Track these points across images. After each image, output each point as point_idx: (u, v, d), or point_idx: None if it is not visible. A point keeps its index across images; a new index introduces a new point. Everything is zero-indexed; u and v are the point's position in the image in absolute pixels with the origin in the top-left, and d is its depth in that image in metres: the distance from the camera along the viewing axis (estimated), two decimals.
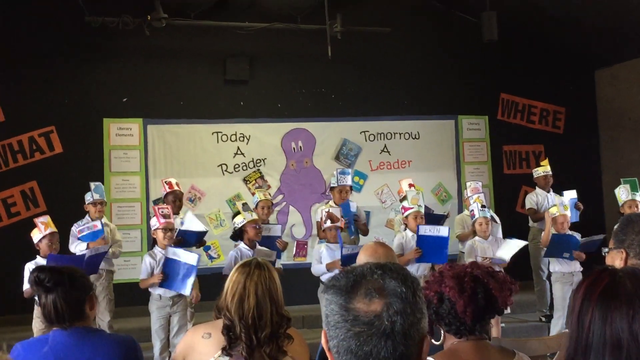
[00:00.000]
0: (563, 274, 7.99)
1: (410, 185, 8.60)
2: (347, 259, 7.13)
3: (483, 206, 7.95)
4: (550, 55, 11.41)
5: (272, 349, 2.91)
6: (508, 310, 7.54)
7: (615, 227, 2.81)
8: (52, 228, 7.23)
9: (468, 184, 9.20)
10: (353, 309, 1.50)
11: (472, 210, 7.99)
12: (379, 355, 1.47)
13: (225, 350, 2.92)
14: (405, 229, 7.85)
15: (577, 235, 8.06)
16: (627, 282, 1.80)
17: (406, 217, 7.69)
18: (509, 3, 10.30)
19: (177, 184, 8.36)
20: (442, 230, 7.45)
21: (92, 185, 8.06)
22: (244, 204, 7.75)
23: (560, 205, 8.00)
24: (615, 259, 2.69)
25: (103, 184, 9.72)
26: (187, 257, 6.81)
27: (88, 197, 8.04)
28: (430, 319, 2.48)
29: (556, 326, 7.92)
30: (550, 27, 10.86)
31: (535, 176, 9.59)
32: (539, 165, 9.83)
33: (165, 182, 8.37)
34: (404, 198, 8.29)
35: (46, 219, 7.31)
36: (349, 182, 8.48)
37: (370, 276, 1.55)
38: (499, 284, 2.47)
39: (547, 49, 11.36)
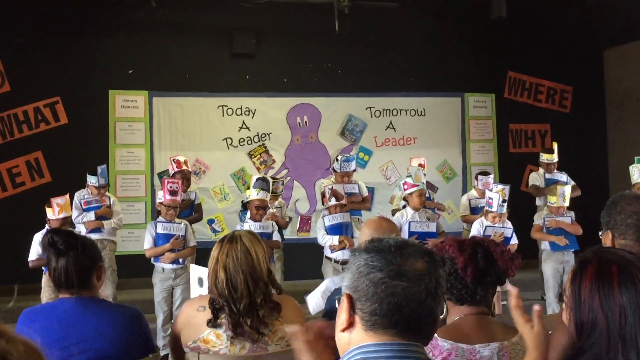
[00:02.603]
0: (553, 252, 7.94)
1: (421, 166, 8.48)
2: (333, 229, 7.26)
3: (504, 201, 7.62)
4: (558, 34, 11.32)
5: (253, 319, 2.96)
6: (509, 287, 7.50)
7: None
8: (67, 212, 7.22)
9: (480, 177, 9.01)
10: (403, 264, 1.54)
11: (491, 199, 7.64)
12: (422, 315, 1.52)
13: (212, 322, 2.99)
14: (404, 207, 7.81)
15: (572, 214, 8.01)
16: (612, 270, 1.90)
17: (410, 194, 7.61)
18: None
19: (186, 162, 8.36)
20: (431, 226, 7.42)
21: (99, 169, 7.94)
22: (257, 179, 7.69)
23: (560, 197, 7.90)
24: (605, 240, 2.74)
25: (108, 156, 9.78)
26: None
27: (93, 180, 7.96)
28: None
29: (550, 305, 7.88)
30: (559, 5, 10.75)
31: (539, 159, 9.51)
32: (547, 149, 9.68)
33: (174, 160, 8.34)
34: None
35: (64, 200, 7.24)
36: (352, 168, 8.37)
37: (412, 242, 1.62)
38: (500, 251, 2.49)
39: (555, 27, 11.26)
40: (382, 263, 1.54)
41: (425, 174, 8.17)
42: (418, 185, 7.54)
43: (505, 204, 7.63)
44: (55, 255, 2.91)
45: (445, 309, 2.52)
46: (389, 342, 1.51)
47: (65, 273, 2.90)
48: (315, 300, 3.98)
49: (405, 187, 7.63)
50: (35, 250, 6.93)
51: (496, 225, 7.51)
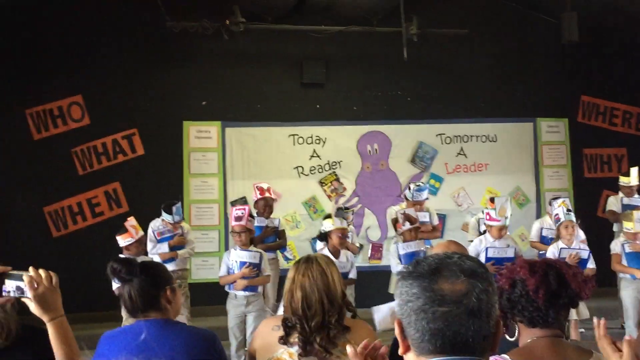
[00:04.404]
0: (633, 280, 7.71)
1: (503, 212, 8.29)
2: (407, 258, 7.21)
3: (569, 210, 7.70)
4: (632, 56, 11.07)
5: (323, 338, 3.01)
6: (587, 315, 7.32)
7: None
8: (141, 231, 7.44)
9: (554, 202, 8.75)
10: (439, 290, 1.53)
11: (557, 214, 7.74)
12: (467, 335, 1.51)
13: (283, 339, 3.08)
14: (484, 232, 7.73)
15: None
16: None
17: (490, 226, 7.51)
18: (589, 3, 10.05)
19: (269, 189, 8.45)
20: (509, 252, 7.28)
21: (174, 208, 8.04)
22: (339, 209, 7.74)
23: (637, 222, 7.69)
24: None
25: (182, 185, 10.01)
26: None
27: (168, 218, 8.07)
28: (503, 311, 2.48)
29: (630, 334, 7.61)
30: (632, 27, 10.55)
31: (619, 183, 9.33)
32: (625, 173, 9.47)
33: (257, 187, 8.46)
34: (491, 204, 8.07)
35: (134, 221, 7.49)
36: (425, 197, 8.40)
37: (450, 259, 1.59)
38: (573, 272, 2.45)
39: (629, 49, 11.03)
40: (419, 290, 1.54)
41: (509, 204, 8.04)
42: (500, 221, 7.43)
43: (572, 213, 7.67)
44: (120, 283, 3.02)
45: (517, 331, 2.50)
46: (453, 358, 1.51)
47: (129, 298, 2.98)
48: (382, 316, 3.96)
49: (487, 217, 7.55)
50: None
51: (572, 247, 7.44)
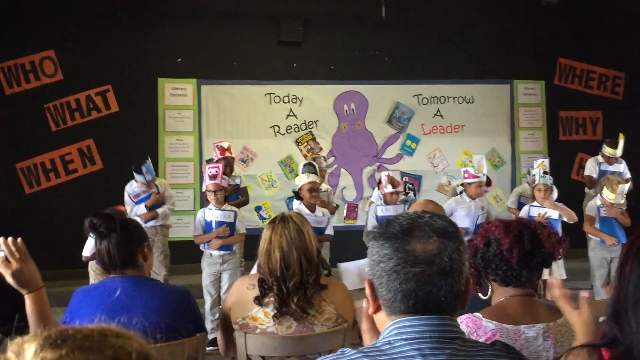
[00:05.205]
0: (602, 243, 7.77)
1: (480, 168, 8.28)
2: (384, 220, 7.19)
3: (545, 172, 7.66)
4: (610, 19, 11.07)
5: (300, 298, 3.00)
6: (564, 276, 7.37)
7: None
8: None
9: (535, 162, 8.76)
10: (411, 250, 1.53)
11: (534, 175, 7.71)
12: (439, 294, 1.51)
13: (258, 300, 3.07)
14: (461, 193, 7.75)
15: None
16: None
17: (469, 184, 7.49)
18: None
19: (229, 148, 8.38)
20: (482, 218, 7.32)
21: (144, 168, 7.69)
22: (305, 165, 7.69)
23: (619, 195, 7.72)
24: None
25: (157, 143, 9.91)
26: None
27: (140, 179, 7.79)
28: (477, 270, 2.50)
29: (598, 294, 7.72)
30: None
31: (602, 150, 9.19)
32: (612, 141, 9.11)
33: (217, 146, 8.40)
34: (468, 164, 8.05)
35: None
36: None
37: (421, 219, 1.58)
38: (547, 233, 2.46)
39: (607, 12, 11.02)
40: (391, 250, 1.54)
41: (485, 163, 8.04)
42: (479, 177, 7.47)
43: (548, 176, 7.61)
44: (98, 238, 2.98)
45: (490, 290, 2.52)
46: (422, 317, 1.52)
47: (108, 254, 2.96)
48: (350, 276, 3.97)
49: (466, 175, 7.56)
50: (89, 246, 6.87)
51: (542, 206, 7.47)
